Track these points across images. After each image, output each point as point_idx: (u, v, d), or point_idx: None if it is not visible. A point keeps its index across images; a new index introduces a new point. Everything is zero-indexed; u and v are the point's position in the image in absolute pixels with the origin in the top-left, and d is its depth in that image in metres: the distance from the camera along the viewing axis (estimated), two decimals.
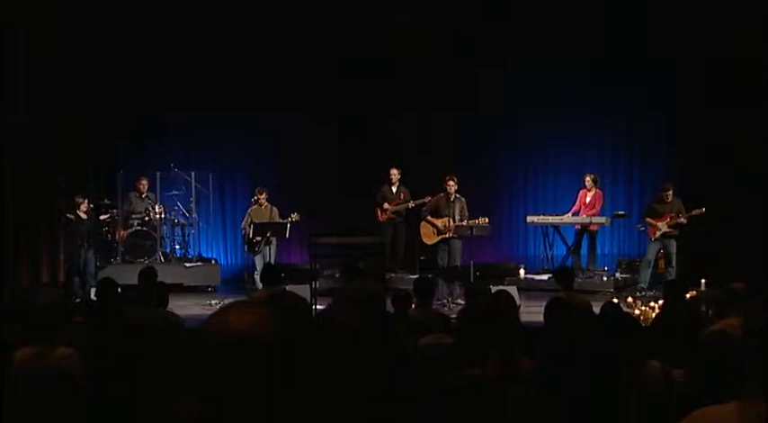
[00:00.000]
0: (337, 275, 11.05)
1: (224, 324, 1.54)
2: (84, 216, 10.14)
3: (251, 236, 10.15)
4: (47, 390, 3.50)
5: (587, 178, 10.79)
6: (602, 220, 10.60)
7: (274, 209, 10.51)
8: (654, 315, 7.17)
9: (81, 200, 10.11)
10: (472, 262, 9.31)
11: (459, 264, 9.37)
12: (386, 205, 11.04)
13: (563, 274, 6.46)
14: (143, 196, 11.21)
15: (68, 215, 10.09)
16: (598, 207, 10.65)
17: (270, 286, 6.46)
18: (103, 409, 3.45)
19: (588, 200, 10.75)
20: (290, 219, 10.16)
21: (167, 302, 5.59)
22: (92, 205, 10.34)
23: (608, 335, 3.53)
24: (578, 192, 10.95)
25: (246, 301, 1.72)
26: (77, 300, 9.21)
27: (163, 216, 11.08)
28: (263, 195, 10.38)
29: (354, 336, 1.89)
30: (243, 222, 10.61)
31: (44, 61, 10.63)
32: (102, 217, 10.79)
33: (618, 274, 10.96)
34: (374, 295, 4.34)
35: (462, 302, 8.95)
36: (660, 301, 7.85)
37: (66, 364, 3.61)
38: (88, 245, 10.10)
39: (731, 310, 4.35)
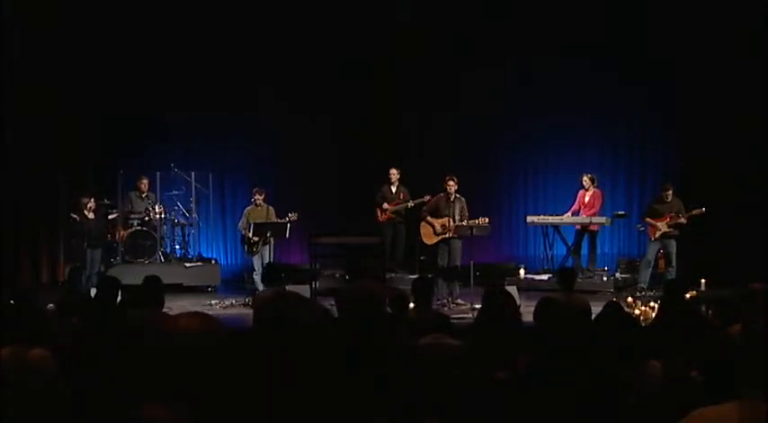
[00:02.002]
0: (338, 275, 11.08)
1: (176, 329, 1.68)
2: (91, 215, 10.13)
3: (251, 236, 10.14)
4: (18, 390, 3.47)
5: (584, 178, 10.79)
6: (603, 220, 10.60)
7: (271, 209, 10.49)
8: (654, 315, 7.17)
9: (87, 199, 10.10)
10: (472, 262, 9.30)
11: (459, 264, 9.37)
12: (385, 205, 11.03)
13: (564, 275, 6.44)
14: (143, 196, 11.21)
15: (73, 215, 10.09)
16: (597, 206, 10.65)
17: (272, 285, 6.54)
18: (92, 410, 3.44)
19: (587, 199, 10.75)
20: (287, 218, 10.17)
21: (163, 303, 5.58)
22: (96, 205, 10.34)
23: (608, 335, 3.53)
24: (577, 192, 10.95)
25: (196, 312, 1.85)
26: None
27: (163, 216, 11.08)
28: (262, 196, 10.39)
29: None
30: (240, 223, 10.60)
31: (44, 60, 10.64)
32: (110, 217, 10.77)
33: (618, 274, 10.95)
34: (374, 296, 4.33)
35: (462, 303, 8.96)
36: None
37: (38, 364, 3.58)
38: (93, 245, 10.09)
39: (746, 310, 4.32)
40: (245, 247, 10.32)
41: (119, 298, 5.66)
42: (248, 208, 10.52)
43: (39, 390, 3.51)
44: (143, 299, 5.43)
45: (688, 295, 7.01)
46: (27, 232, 10.92)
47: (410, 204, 10.83)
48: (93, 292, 8.40)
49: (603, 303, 4.96)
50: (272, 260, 10.17)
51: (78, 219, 10.02)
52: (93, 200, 10.17)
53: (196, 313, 1.78)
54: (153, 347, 1.70)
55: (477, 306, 5.88)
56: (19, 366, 3.53)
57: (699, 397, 2.72)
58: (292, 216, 10.15)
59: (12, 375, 3.49)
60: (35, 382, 3.52)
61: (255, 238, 10.07)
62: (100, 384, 3.60)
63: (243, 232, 10.42)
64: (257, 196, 10.40)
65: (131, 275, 8.96)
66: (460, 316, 7.94)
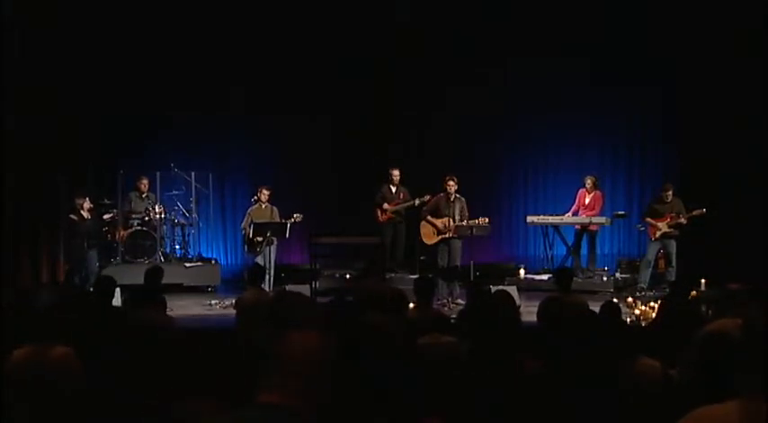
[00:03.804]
0: (338, 275, 11.08)
1: (297, 343, 1.93)
2: (87, 215, 10.16)
3: (251, 236, 10.13)
4: (43, 389, 3.48)
5: (588, 180, 10.79)
6: (602, 220, 10.61)
7: (275, 209, 10.51)
8: (653, 315, 7.17)
9: (82, 200, 10.13)
10: (472, 262, 9.31)
11: (459, 264, 9.37)
12: (385, 205, 11.03)
13: (561, 276, 6.45)
14: (143, 196, 11.21)
15: (71, 216, 10.11)
16: (597, 209, 10.66)
17: (255, 286, 6.57)
18: (102, 409, 3.44)
19: (588, 201, 10.75)
20: (292, 219, 10.19)
21: (165, 302, 5.58)
22: (92, 205, 10.36)
23: (605, 335, 3.53)
24: (577, 191, 10.95)
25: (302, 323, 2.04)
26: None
27: (163, 216, 11.08)
28: (269, 193, 10.40)
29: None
30: (243, 223, 10.60)
31: (44, 60, 10.63)
32: (105, 217, 10.79)
33: (618, 274, 10.96)
34: (376, 295, 4.33)
35: (462, 303, 8.96)
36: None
37: (62, 363, 3.59)
38: (90, 245, 10.11)
39: (728, 309, 4.35)
40: (248, 246, 10.30)
41: (115, 297, 5.67)
42: (252, 207, 10.52)
43: (65, 388, 3.52)
44: (145, 293, 5.44)
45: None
46: (27, 232, 10.91)
47: (416, 202, 10.76)
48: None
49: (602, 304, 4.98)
50: (273, 261, 10.20)
51: (77, 219, 10.04)
52: (87, 200, 10.20)
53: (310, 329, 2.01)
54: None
55: None
56: (42, 365, 3.53)
57: (692, 396, 2.72)
58: (297, 217, 10.18)
59: (34, 374, 3.49)
60: (60, 380, 3.52)
61: (259, 238, 10.05)
62: (103, 384, 3.60)
63: (244, 232, 10.42)
64: (265, 192, 10.40)
65: (131, 275, 8.96)
66: None
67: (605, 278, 10.64)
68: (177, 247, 11.56)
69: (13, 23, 10.18)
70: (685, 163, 11.38)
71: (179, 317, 8.02)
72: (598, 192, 10.80)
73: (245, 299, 6.03)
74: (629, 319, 7.46)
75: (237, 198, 12.48)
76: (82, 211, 10.11)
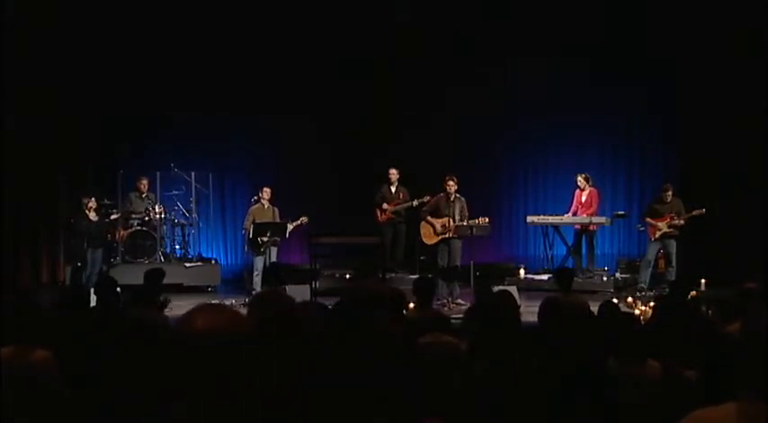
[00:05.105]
0: (338, 275, 11.08)
1: (192, 326, 1.60)
2: (92, 215, 10.16)
3: (251, 236, 10.12)
4: (19, 391, 3.46)
5: (579, 178, 10.78)
6: (603, 220, 10.60)
7: (276, 209, 10.51)
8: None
9: (87, 199, 10.13)
10: (472, 262, 9.30)
11: (459, 264, 9.37)
12: (385, 205, 11.03)
13: (562, 276, 6.45)
14: (143, 196, 11.21)
15: (79, 214, 10.12)
16: (595, 205, 10.64)
17: (271, 286, 6.50)
18: (91, 412, 3.43)
19: (584, 199, 10.74)
20: (299, 222, 10.22)
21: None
22: (98, 205, 10.36)
23: (605, 335, 3.53)
24: (573, 192, 10.94)
25: (215, 304, 1.78)
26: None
27: (163, 216, 11.08)
28: (269, 190, 10.40)
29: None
30: (245, 222, 10.58)
31: (44, 60, 10.64)
32: (112, 217, 10.78)
33: (618, 274, 10.95)
34: (376, 295, 4.33)
35: (462, 303, 8.96)
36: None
37: (40, 366, 3.58)
38: (93, 244, 10.11)
39: (744, 310, 4.32)
40: (250, 246, 10.27)
41: (117, 298, 5.67)
42: (254, 207, 10.51)
43: (41, 392, 3.51)
44: (145, 294, 5.43)
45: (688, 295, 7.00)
46: (27, 232, 10.92)
47: (415, 203, 10.78)
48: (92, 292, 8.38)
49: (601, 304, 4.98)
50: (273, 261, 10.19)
51: (84, 219, 10.06)
52: (93, 199, 10.20)
53: (218, 310, 1.71)
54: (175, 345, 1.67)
55: None
56: (21, 367, 3.53)
57: (697, 397, 2.72)
58: (304, 220, 10.21)
59: (13, 375, 3.48)
60: (37, 383, 3.51)
61: (264, 239, 10.03)
62: (100, 384, 3.60)
63: (245, 232, 10.41)
64: (267, 190, 10.40)
65: (131, 275, 8.95)
66: (460, 316, 7.93)
67: (605, 278, 10.63)
68: (177, 247, 11.56)
69: (14, 23, 10.18)
70: (685, 163, 11.37)
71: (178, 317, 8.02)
72: (593, 189, 10.78)
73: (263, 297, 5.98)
74: None
75: (237, 198, 12.48)
76: (87, 211, 10.11)
